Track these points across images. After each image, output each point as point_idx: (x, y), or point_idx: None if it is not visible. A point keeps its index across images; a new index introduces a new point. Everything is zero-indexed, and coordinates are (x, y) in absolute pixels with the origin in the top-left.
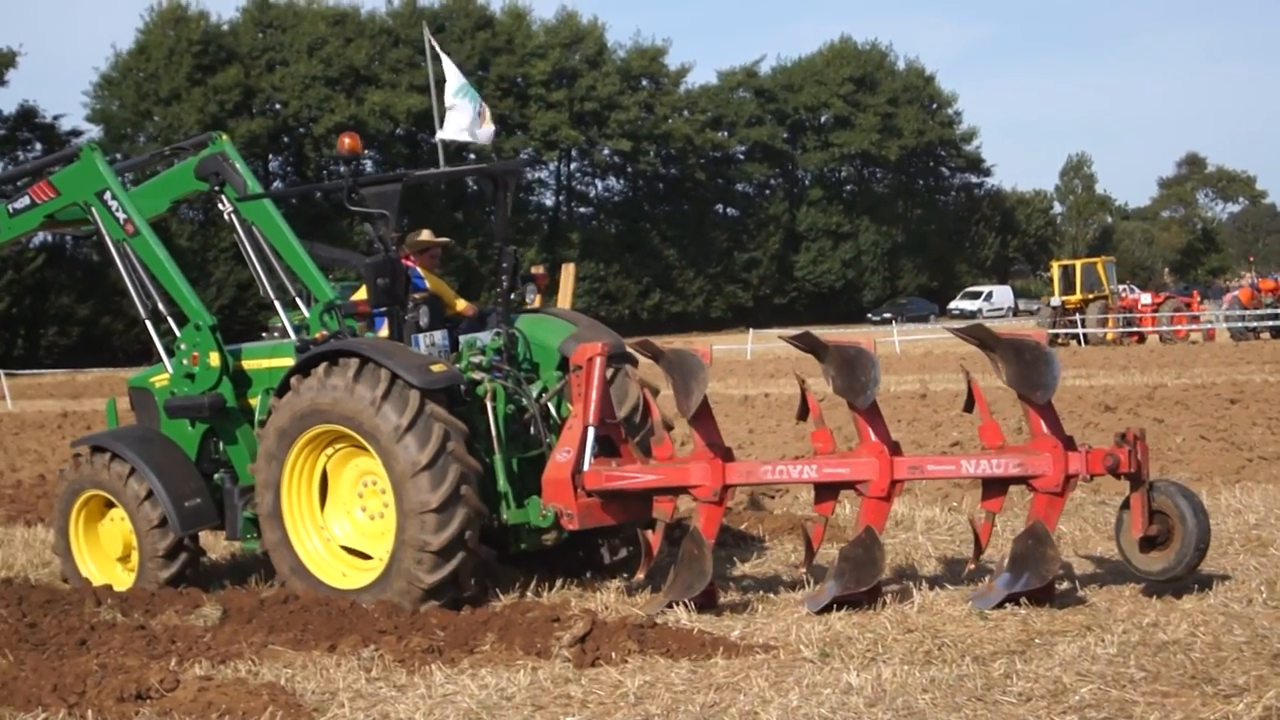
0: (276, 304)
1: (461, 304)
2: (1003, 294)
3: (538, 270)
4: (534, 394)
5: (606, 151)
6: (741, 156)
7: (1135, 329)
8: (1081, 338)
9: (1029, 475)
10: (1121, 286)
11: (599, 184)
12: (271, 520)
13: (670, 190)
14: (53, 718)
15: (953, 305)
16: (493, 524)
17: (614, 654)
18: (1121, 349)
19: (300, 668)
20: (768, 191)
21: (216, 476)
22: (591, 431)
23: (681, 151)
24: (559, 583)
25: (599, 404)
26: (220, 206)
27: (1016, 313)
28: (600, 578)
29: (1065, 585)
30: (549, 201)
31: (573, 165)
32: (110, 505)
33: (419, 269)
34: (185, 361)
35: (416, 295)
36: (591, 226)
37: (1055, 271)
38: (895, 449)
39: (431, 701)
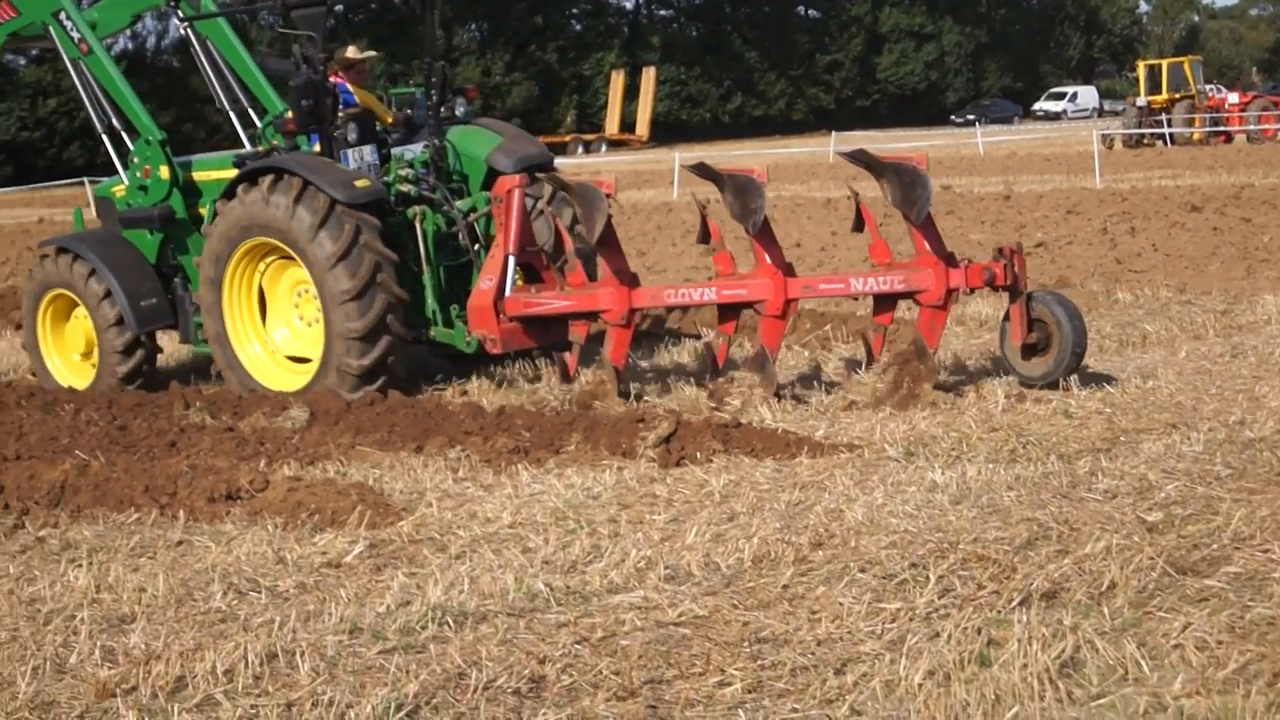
0: (231, 115)
1: (390, 116)
2: (1088, 95)
3: (471, 87)
4: (465, 205)
5: None
6: None
7: (1222, 129)
8: (1168, 138)
9: (913, 290)
10: (1208, 86)
11: None
12: (212, 319)
13: None
14: (145, 518)
15: (1037, 106)
16: (420, 339)
17: (699, 453)
18: (1208, 149)
19: (388, 468)
20: None
21: (175, 281)
22: (511, 260)
23: None
24: (644, 385)
25: (518, 234)
26: (176, 21)
27: (1102, 113)
28: (682, 380)
29: (1150, 383)
30: (629, 4)
31: None
32: (75, 304)
33: (349, 85)
34: (138, 174)
35: (347, 111)
36: (672, 30)
37: (1141, 71)
38: (789, 270)
39: (518, 500)
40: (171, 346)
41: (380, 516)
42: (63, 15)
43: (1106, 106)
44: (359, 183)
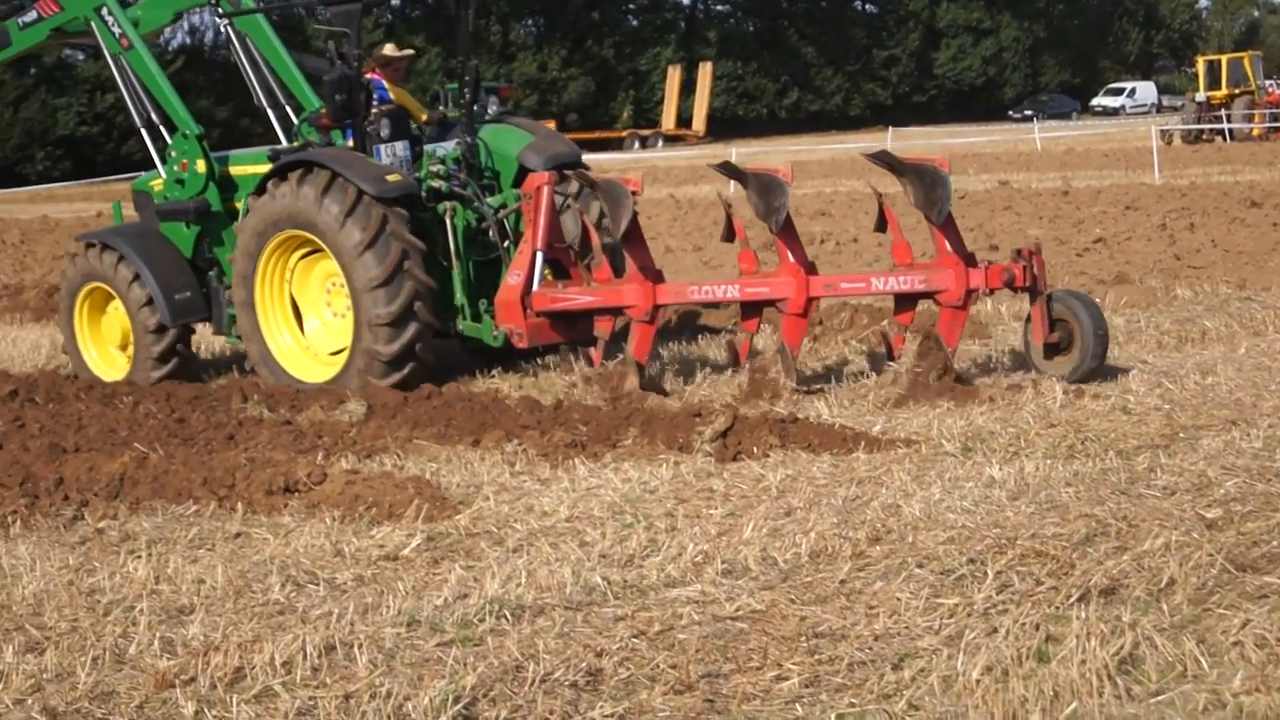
0: (269, 111)
1: (425, 115)
2: (1146, 90)
3: (504, 86)
4: (496, 201)
5: None
6: None
7: None
8: (1227, 133)
9: (933, 290)
10: (1268, 82)
11: None
12: (245, 312)
13: None
14: (203, 509)
15: (1095, 102)
16: (449, 332)
17: (755, 448)
18: (1268, 144)
19: (445, 461)
20: None
21: (211, 274)
22: (539, 256)
23: None
24: (699, 378)
25: (546, 230)
26: (216, 19)
27: (1160, 109)
28: (741, 373)
29: (1210, 379)
30: (685, 0)
31: None
32: (111, 297)
33: (384, 82)
34: (175, 168)
35: (381, 107)
36: (729, 25)
37: (1200, 67)
38: (811, 269)
39: (575, 494)
40: (219, 341)
41: (437, 510)
42: (104, 10)
43: (1165, 102)
44: (390, 177)
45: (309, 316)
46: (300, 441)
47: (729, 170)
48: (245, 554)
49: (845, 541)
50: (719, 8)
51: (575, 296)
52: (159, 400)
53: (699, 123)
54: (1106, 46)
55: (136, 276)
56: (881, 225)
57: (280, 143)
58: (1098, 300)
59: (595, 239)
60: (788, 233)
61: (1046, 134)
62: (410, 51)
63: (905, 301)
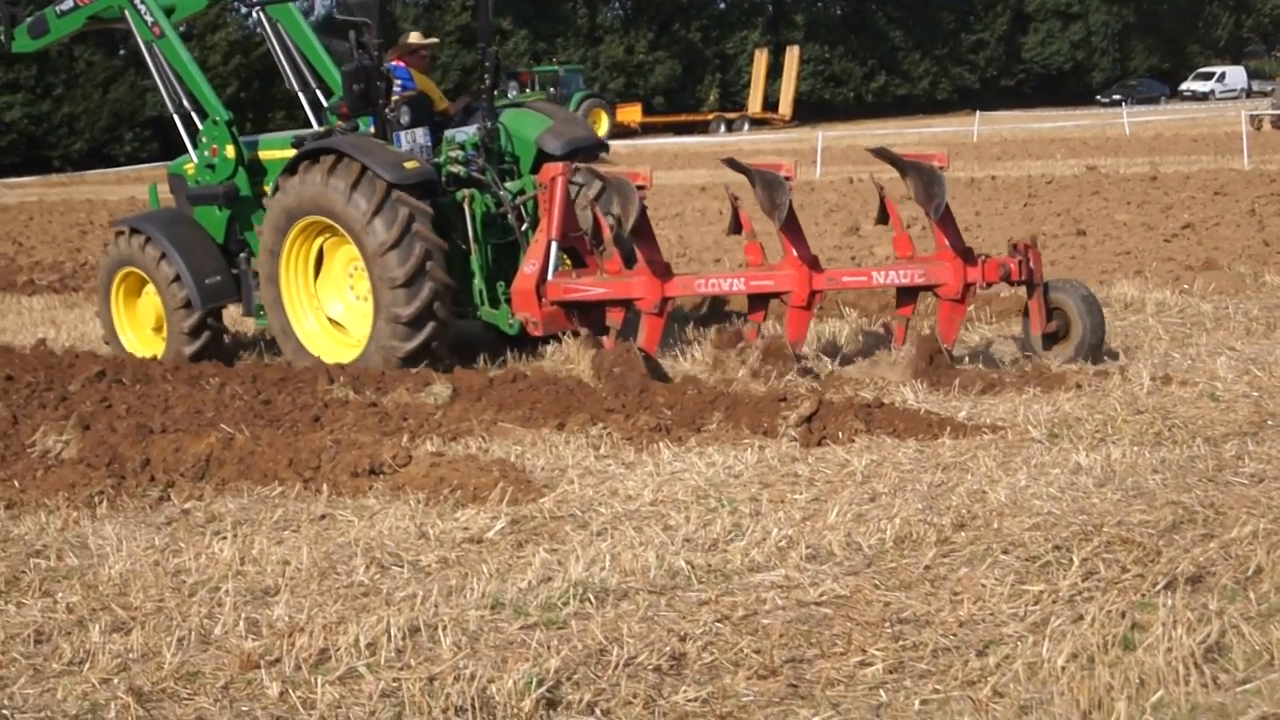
0: (300, 96)
1: (445, 103)
2: (1236, 75)
3: (524, 71)
4: (515, 186)
5: None
6: None
7: None
8: None
9: (933, 284)
10: None
11: None
12: (270, 291)
13: None
14: (289, 491)
15: (1184, 87)
16: (468, 314)
17: (840, 433)
18: None
19: (529, 444)
20: None
21: (240, 257)
22: (554, 246)
23: None
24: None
25: (560, 220)
26: (246, 6)
27: (1250, 94)
28: (825, 358)
29: None
30: None
31: None
32: (145, 280)
33: (409, 69)
34: (206, 153)
35: (405, 95)
36: (816, 8)
37: None
38: (815, 263)
39: (660, 478)
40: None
41: (522, 493)
42: None
43: (1255, 87)
44: (408, 164)
45: (332, 297)
46: (385, 424)
47: (734, 165)
48: (330, 536)
49: (930, 527)
50: None
51: (587, 287)
52: (245, 381)
53: (785, 107)
54: (1196, 31)
55: (165, 259)
56: (883, 218)
57: (311, 126)
58: (1180, 281)
59: (606, 230)
60: (791, 228)
61: (1135, 119)
62: (434, 40)
63: (906, 294)
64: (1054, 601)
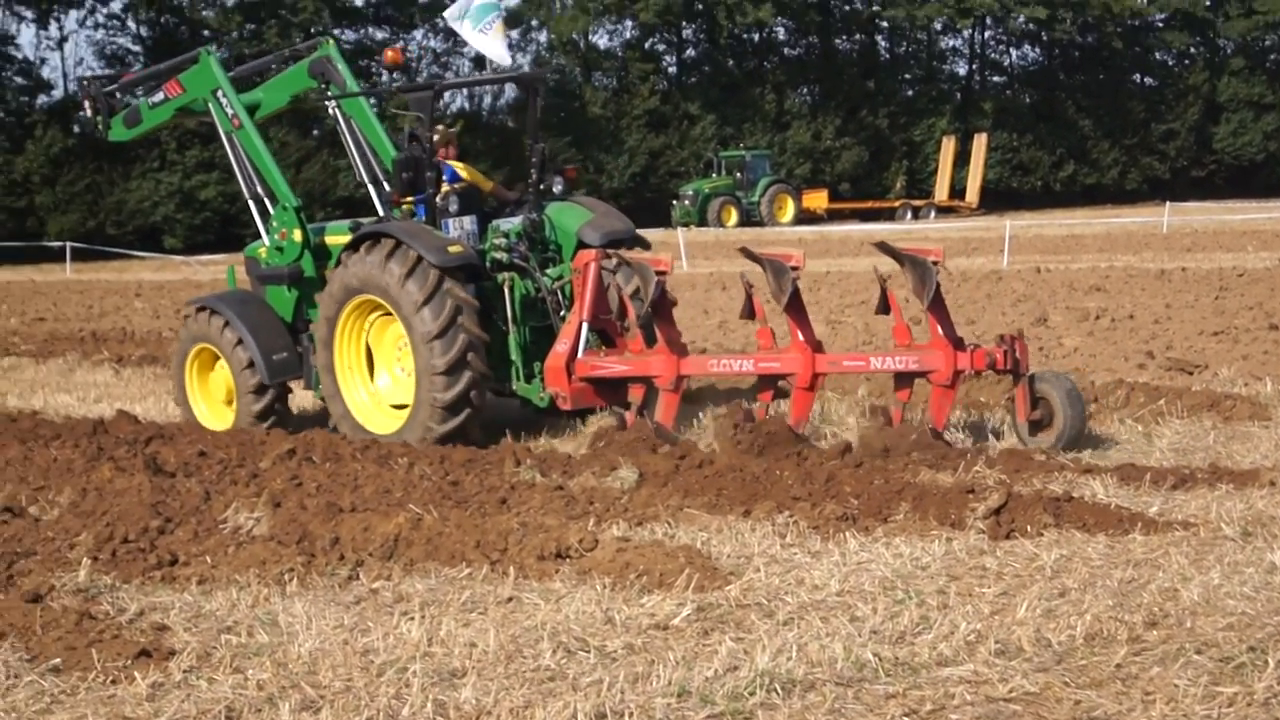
0: (369, 185)
1: (490, 183)
2: None
3: (569, 167)
4: (555, 273)
5: (1021, 19)
6: (1160, 24)
7: None
8: None
9: (925, 370)
10: None
11: (1013, 53)
12: (324, 361)
13: (1086, 59)
14: (476, 572)
15: None
16: (505, 391)
17: (1029, 526)
18: None
19: (715, 531)
20: (1187, 61)
21: (304, 335)
22: (585, 326)
23: (1098, 19)
24: (969, 455)
25: (592, 303)
26: (326, 102)
27: None
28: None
29: None
30: (961, 70)
31: (986, 34)
32: (217, 356)
33: (454, 165)
34: (275, 237)
35: (453, 185)
36: (1005, 96)
37: None
38: (818, 347)
39: (846, 568)
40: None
41: (708, 580)
42: (219, 93)
43: None
44: (452, 248)
45: (381, 371)
46: (572, 507)
47: (747, 254)
48: (517, 619)
49: (1121, 625)
50: (995, 79)
51: (611, 365)
52: (434, 462)
53: (972, 194)
54: None
55: (236, 337)
56: (884, 308)
57: (379, 214)
58: None
59: (630, 312)
60: (797, 311)
61: None
62: (454, 129)
63: (903, 379)
64: (1248, 704)
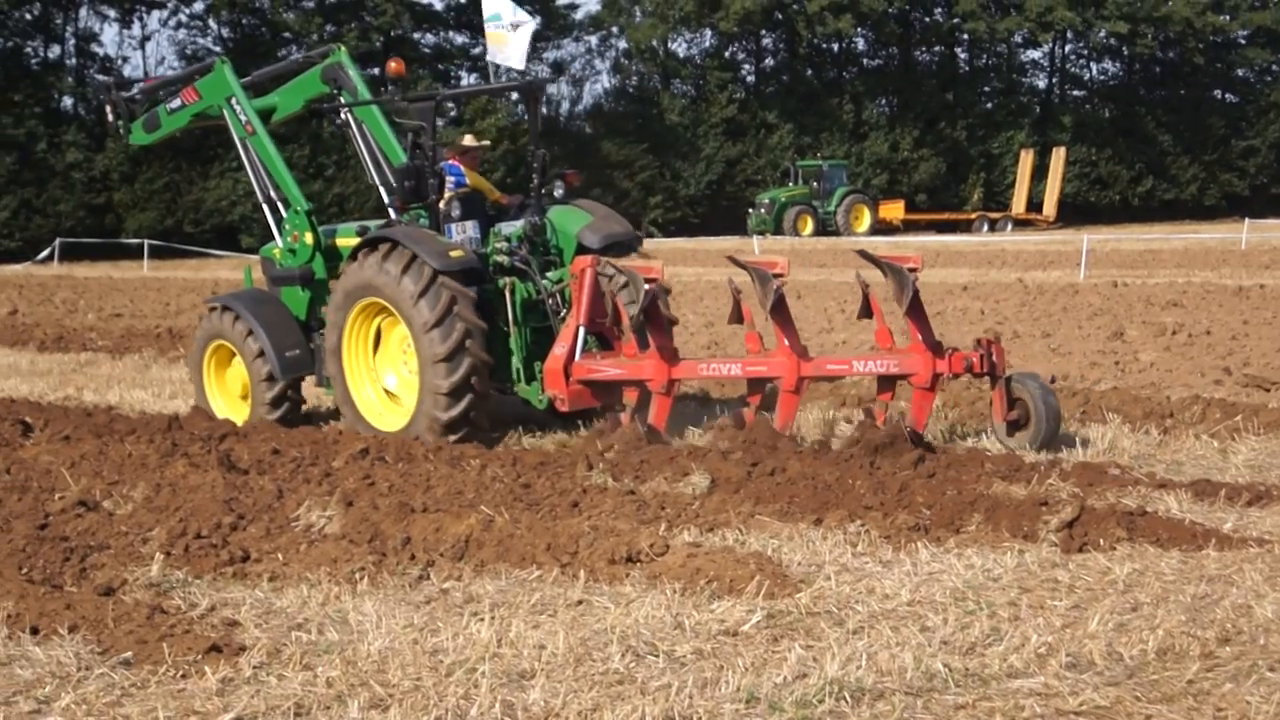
0: (380, 190)
1: (497, 194)
2: None
3: (570, 172)
4: (555, 276)
5: (1103, 34)
6: (1243, 41)
7: None
8: None
9: (905, 373)
10: None
11: (1094, 67)
12: (334, 364)
13: (1167, 75)
14: (546, 575)
15: None
16: (506, 391)
17: (1102, 540)
18: None
19: (786, 539)
20: (1269, 77)
21: (317, 333)
22: (581, 331)
23: (1180, 35)
24: (1043, 468)
25: (588, 308)
26: (339, 106)
27: None
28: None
29: None
30: (1041, 84)
31: (1067, 48)
32: (233, 353)
33: (461, 167)
34: (288, 239)
35: (458, 191)
36: (1084, 110)
37: None
38: (804, 352)
39: (917, 579)
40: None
41: (778, 587)
42: (234, 100)
43: None
44: (453, 253)
45: (388, 371)
46: (643, 512)
47: (736, 261)
48: (586, 622)
49: (1194, 640)
50: (1075, 93)
51: (606, 368)
52: (505, 464)
53: (1050, 208)
54: None
55: (251, 334)
56: (866, 313)
57: (389, 217)
58: None
59: (625, 317)
60: (782, 318)
61: None
62: (486, 143)
63: (885, 382)
64: None
